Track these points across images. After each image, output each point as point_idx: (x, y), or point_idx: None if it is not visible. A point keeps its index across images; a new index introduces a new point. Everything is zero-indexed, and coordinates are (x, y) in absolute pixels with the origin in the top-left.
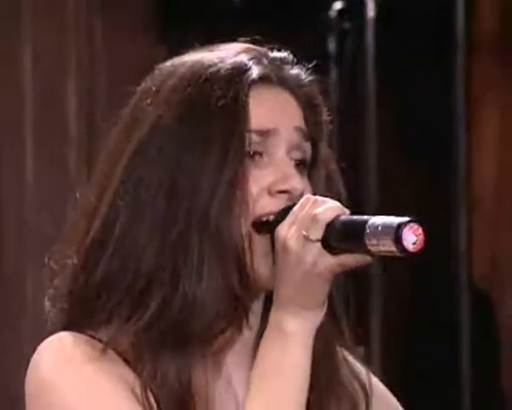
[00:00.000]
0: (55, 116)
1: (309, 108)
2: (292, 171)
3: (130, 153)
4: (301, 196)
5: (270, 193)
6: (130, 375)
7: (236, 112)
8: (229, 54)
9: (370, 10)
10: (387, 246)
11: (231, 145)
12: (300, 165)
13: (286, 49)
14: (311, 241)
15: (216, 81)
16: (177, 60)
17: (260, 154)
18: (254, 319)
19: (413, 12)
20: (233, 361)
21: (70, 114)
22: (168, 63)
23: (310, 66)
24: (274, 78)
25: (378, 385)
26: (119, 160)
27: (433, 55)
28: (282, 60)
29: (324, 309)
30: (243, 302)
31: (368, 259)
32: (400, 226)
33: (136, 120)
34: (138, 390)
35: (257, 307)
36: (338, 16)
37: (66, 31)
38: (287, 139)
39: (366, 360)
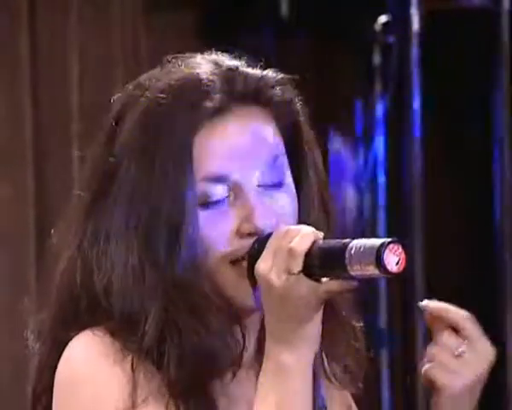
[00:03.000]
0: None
1: (279, 107)
2: (256, 208)
3: (92, 196)
4: (271, 228)
5: (239, 235)
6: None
7: (183, 164)
8: (178, 84)
9: (415, 23)
10: (371, 270)
11: (182, 200)
12: (275, 185)
13: (331, 63)
14: (294, 274)
15: (163, 128)
16: (136, 87)
17: (225, 197)
18: (252, 334)
19: (457, 25)
20: (248, 385)
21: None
22: (130, 89)
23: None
24: (228, 99)
25: None
26: (83, 200)
27: (479, 67)
28: (239, 67)
29: (318, 342)
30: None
31: (354, 284)
32: (380, 250)
33: (99, 161)
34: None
35: (252, 320)
36: (383, 30)
37: (112, 33)
38: (248, 176)
39: None
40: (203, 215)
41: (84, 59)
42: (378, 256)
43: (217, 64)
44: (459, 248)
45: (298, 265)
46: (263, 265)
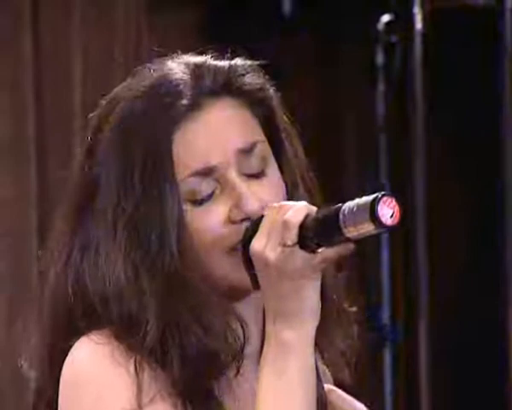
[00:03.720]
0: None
1: (252, 96)
2: (244, 193)
3: (76, 212)
4: (262, 209)
5: (231, 222)
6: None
7: (163, 165)
8: (150, 88)
9: (418, 22)
10: (366, 227)
11: (166, 201)
12: (260, 172)
13: (334, 62)
14: (289, 247)
15: (139, 133)
16: (110, 100)
17: (212, 192)
18: (256, 327)
19: (461, 24)
20: (252, 376)
21: None
22: (105, 103)
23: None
24: (200, 95)
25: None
26: (70, 216)
27: (482, 66)
28: (206, 62)
29: (318, 316)
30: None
31: (350, 247)
32: (374, 204)
33: (81, 176)
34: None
35: (252, 313)
36: (386, 29)
37: (115, 32)
38: (231, 164)
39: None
40: (193, 211)
41: (86, 58)
42: (372, 211)
43: (185, 64)
44: (463, 246)
45: (292, 237)
46: (257, 243)
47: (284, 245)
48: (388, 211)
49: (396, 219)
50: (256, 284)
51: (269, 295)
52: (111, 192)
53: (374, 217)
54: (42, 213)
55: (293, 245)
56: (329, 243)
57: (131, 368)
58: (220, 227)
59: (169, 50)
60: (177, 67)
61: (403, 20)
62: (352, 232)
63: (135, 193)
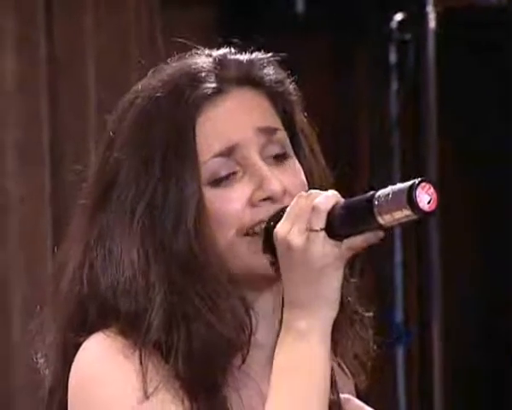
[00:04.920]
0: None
1: (272, 89)
2: (266, 174)
3: (96, 202)
4: (284, 191)
5: (252, 205)
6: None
7: (185, 148)
8: (172, 77)
9: (431, 21)
10: (402, 213)
11: (186, 184)
12: (279, 156)
13: (347, 61)
14: (315, 231)
15: (161, 118)
16: (130, 94)
17: (233, 172)
18: (269, 320)
19: (473, 22)
20: (258, 369)
21: None
22: (125, 98)
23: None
24: (222, 83)
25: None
26: (88, 210)
27: (495, 65)
28: (227, 54)
29: (337, 307)
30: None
31: (380, 234)
32: (412, 189)
33: (100, 168)
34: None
35: (268, 305)
36: (399, 27)
37: (128, 33)
38: (253, 145)
39: None
40: (214, 193)
41: (100, 60)
42: (410, 196)
43: (207, 55)
44: (476, 246)
45: (321, 221)
46: (282, 228)
47: (311, 230)
48: (426, 197)
49: (433, 206)
50: (275, 272)
51: (289, 281)
52: (130, 178)
53: (412, 202)
54: (56, 217)
55: (320, 230)
56: (358, 231)
57: (137, 361)
58: (240, 209)
59: (184, 49)
60: (199, 57)
61: (416, 18)
62: (386, 219)
63: (154, 177)
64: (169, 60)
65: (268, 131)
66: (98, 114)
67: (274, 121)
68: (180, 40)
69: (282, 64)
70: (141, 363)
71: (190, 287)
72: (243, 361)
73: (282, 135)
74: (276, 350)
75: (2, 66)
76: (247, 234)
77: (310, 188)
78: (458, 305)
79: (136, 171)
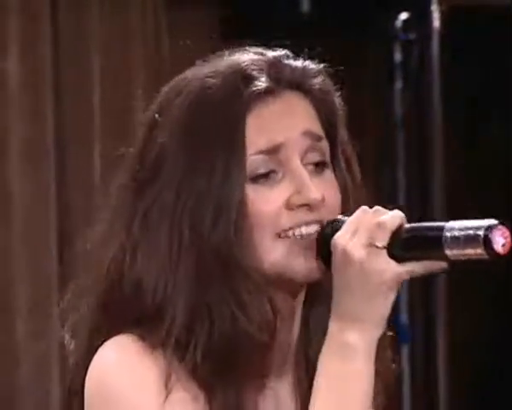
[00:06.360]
0: (123, 123)
1: (320, 99)
2: (307, 181)
3: (139, 183)
4: (322, 201)
5: (289, 208)
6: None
7: (235, 141)
8: (226, 69)
9: (435, 20)
10: (474, 251)
11: (231, 176)
12: (319, 165)
13: (352, 60)
14: (378, 248)
15: (213, 108)
16: (179, 80)
17: (274, 171)
18: (290, 321)
19: (477, 22)
20: (274, 370)
21: (137, 120)
22: (172, 85)
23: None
24: (275, 84)
25: None
26: (130, 189)
27: (499, 64)
28: (283, 57)
29: (385, 323)
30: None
31: (444, 265)
32: (489, 230)
33: (144, 150)
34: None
35: (291, 307)
36: (403, 26)
37: (132, 35)
38: (297, 148)
39: None
40: (253, 189)
41: (105, 58)
42: (486, 237)
43: (261, 54)
44: None
45: (384, 238)
46: (342, 238)
47: (372, 245)
48: (501, 240)
49: (507, 249)
50: (321, 279)
51: (342, 292)
52: (178, 167)
53: (487, 243)
54: (61, 215)
55: (382, 248)
56: (421, 257)
57: (159, 358)
58: (277, 210)
59: (189, 49)
60: (253, 55)
61: (420, 18)
62: (455, 253)
63: (202, 165)
64: (218, 53)
65: (313, 137)
66: (103, 112)
67: (319, 129)
68: (184, 40)
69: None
70: (165, 358)
71: (221, 279)
72: (263, 361)
73: (325, 144)
74: (321, 359)
75: (6, 64)
76: (280, 236)
77: (342, 203)
78: (463, 305)
79: (184, 156)
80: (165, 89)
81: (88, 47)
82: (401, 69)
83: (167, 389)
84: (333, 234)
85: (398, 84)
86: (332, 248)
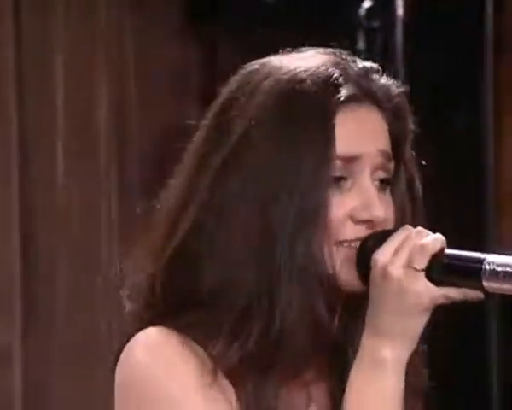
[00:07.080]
0: (86, 124)
1: (395, 119)
2: (374, 197)
3: (216, 166)
4: (385, 221)
5: (352, 220)
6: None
7: (325, 137)
8: (316, 66)
9: (399, 8)
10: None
11: (319, 171)
12: (384, 182)
13: (314, 47)
14: (416, 270)
15: (305, 101)
16: (261, 67)
17: (345, 178)
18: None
19: (443, 10)
20: (309, 371)
21: (101, 122)
22: (253, 68)
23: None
24: (361, 94)
25: None
26: (204, 171)
27: (463, 53)
28: (370, 70)
29: (416, 343)
30: (327, 327)
31: (481, 295)
32: None
33: (222, 131)
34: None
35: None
36: (367, 14)
37: (96, 38)
38: (371, 163)
39: None
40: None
41: (68, 60)
42: None
43: (353, 61)
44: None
45: (424, 261)
46: (382, 255)
47: (411, 267)
48: None
49: None
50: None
51: (377, 308)
52: (264, 158)
53: None
54: (24, 215)
55: (421, 270)
56: (459, 284)
57: (197, 349)
58: (343, 218)
59: (152, 50)
60: (341, 60)
61: (384, 5)
62: (493, 287)
63: (288, 167)
64: (304, 48)
65: (386, 156)
66: (66, 114)
67: (389, 148)
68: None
69: (250, 52)
70: (197, 361)
71: (287, 268)
72: (306, 361)
73: (392, 165)
74: (353, 373)
75: None
76: (340, 244)
77: (396, 221)
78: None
79: (271, 147)
80: (243, 72)
81: (51, 48)
82: (364, 58)
83: (206, 384)
84: (373, 249)
85: None
86: (372, 263)
